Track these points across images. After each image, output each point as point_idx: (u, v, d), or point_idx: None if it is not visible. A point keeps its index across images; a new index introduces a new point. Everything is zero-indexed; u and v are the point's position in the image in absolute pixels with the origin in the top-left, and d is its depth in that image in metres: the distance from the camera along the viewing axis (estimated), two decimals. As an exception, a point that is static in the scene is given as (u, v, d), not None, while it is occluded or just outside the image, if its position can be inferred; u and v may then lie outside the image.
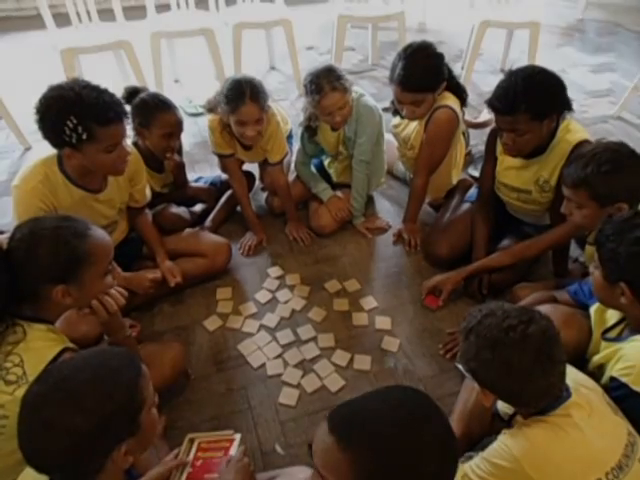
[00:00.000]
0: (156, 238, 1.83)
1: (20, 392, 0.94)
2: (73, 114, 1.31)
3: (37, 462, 0.80)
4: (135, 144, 1.78)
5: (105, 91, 1.38)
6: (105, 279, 1.17)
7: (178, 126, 1.84)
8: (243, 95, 1.77)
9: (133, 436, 0.83)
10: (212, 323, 1.80)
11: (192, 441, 1.30)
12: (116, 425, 0.80)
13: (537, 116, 1.50)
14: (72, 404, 0.78)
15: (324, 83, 1.82)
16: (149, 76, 2.99)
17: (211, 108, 1.93)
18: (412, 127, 2.00)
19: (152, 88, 2.76)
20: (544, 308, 1.29)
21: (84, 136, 1.34)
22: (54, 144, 1.38)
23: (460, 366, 1.02)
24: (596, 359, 1.22)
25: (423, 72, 1.77)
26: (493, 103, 1.53)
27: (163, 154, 1.85)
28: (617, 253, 1.06)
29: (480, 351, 0.95)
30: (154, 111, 1.76)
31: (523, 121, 1.50)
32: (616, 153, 1.35)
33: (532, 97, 1.47)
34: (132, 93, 1.81)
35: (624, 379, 1.06)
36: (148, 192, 1.79)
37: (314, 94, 1.85)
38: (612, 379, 1.09)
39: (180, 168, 2.02)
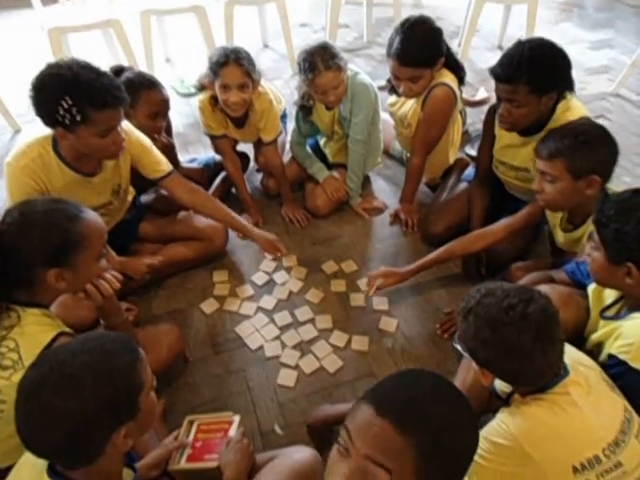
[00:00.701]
0: (221, 212, 1.76)
1: (17, 377, 0.94)
2: (68, 94, 1.27)
3: (36, 447, 0.80)
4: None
5: (104, 74, 1.34)
6: (99, 263, 1.16)
7: (164, 105, 1.80)
8: (227, 57, 1.76)
9: (132, 419, 0.83)
10: (209, 306, 1.79)
11: (191, 423, 1.31)
12: (115, 408, 0.80)
13: (537, 90, 1.47)
14: (70, 388, 0.77)
15: (318, 61, 1.78)
16: (139, 56, 2.92)
17: (201, 86, 1.89)
18: (409, 105, 1.97)
19: (143, 68, 2.72)
20: (542, 288, 1.28)
21: (78, 118, 1.30)
22: (46, 123, 1.34)
23: (458, 346, 1.02)
24: (594, 337, 1.22)
25: (421, 46, 1.73)
26: (495, 69, 1.50)
27: (150, 135, 1.81)
28: (623, 233, 1.04)
29: (479, 331, 0.94)
30: (139, 89, 1.72)
31: (522, 92, 1.48)
32: (592, 127, 1.39)
33: (535, 69, 1.44)
34: (117, 72, 1.76)
35: (623, 356, 1.06)
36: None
37: (308, 72, 1.81)
38: (610, 356, 1.09)
39: (170, 149, 1.98)
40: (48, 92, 1.29)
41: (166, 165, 1.67)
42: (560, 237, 1.57)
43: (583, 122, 1.43)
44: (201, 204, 1.73)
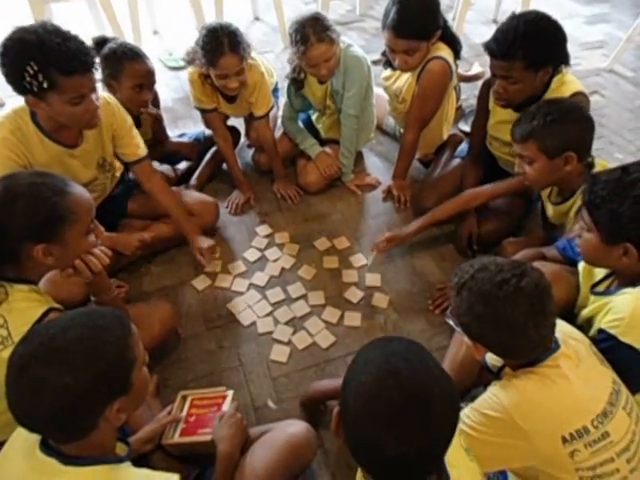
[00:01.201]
0: (178, 209, 1.69)
1: (6, 353, 0.92)
2: (33, 59, 1.22)
3: (28, 422, 0.79)
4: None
5: (72, 38, 1.27)
6: (87, 238, 1.14)
7: (149, 76, 1.75)
8: (221, 45, 1.68)
9: (125, 394, 0.83)
10: (201, 282, 1.78)
11: (185, 398, 1.32)
12: (107, 383, 0.80)
13: (532, 65, 1.45)
14: (61, 363, 0.77)
15: (310, 33, 1.74)
16: (126, 28, 2.83)
17: (190, 60, 1.84)
18: (404, 79, 1.94)
19: (129, 40, 2.62)
20: (533, 264, 1.29)
21: (45, 84, 1.25)
22: (16, 90, 1.29)
23: (451, 321, 1.03)
24: (585, 312, 1.23)
25: (418, 17, 1.69)
26: (490, 45, 1.48)
27: (136, 109, 1.76)
28: (619, 213, 1.02)
29: (473, 305, 0.94)
30: (122, 60, 1.66)
31: (517, 68, 1.46)
32: (560, 104, 1.39)
33: (530, 44, 1.42)
34: (100, 43, 1.70)
35: (612, 331, 1.07)
36: (142, 145, 1.66)
37: (299, 44, 1.76)
38: (600, 331, 1.10)
39: (158, 121, 1.94)
40: (12, 57, 1.24)
41: (143, 150, 1.65)
42: (550, 210, 1.58)
43: (553, 100, 1.44)
44: (160, 194, 1.68)
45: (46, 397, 0.76)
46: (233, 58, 1.71)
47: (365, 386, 0.71)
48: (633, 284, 1.08)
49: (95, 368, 0.78)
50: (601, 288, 1.22)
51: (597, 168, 1.41)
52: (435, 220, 1.77)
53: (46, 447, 0.82)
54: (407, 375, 0.69)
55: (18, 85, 1.27)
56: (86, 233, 1.13)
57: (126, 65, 1.67)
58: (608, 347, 1.07)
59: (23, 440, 0.84)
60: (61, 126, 1.41)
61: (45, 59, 1.23)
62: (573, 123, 1.35)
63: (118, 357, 0.81)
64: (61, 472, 0.80)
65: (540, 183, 1.46)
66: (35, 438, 0.83)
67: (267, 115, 2.00)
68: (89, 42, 1.55)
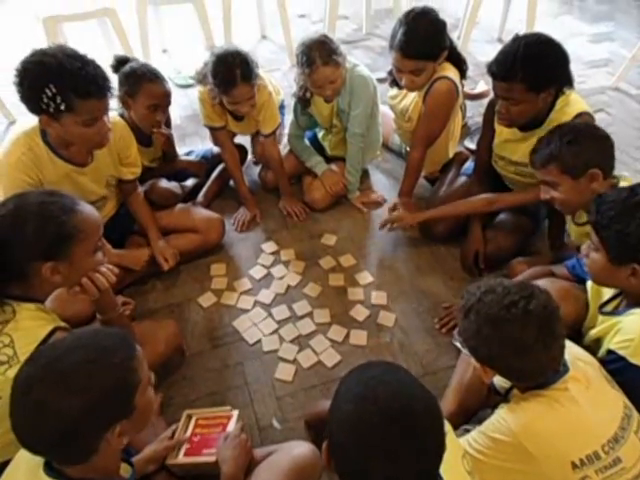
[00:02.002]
0: (149, 217, 1.78)
1: (12, 372, 0.93)
2: (52, 82, 1.26)
3: (29, 443, 0.79)
4: (122, 116, 1.72)
5: (90, 62, 1.32)
6: (95, 256, 1.14)
7: (165, 98, 1.78)
8: (234, 77, 1.72)
9: (127, 417, 0.82)
10: (206, 300, 1.78)
11: (190, 417, 1.31)
12: (109, 407, 0.79)
13: (533, 87, 1.46)
14: (63, 386, 0.76)
15: (316, 57, 1.76)
16: (136, 46, 2.89)
17: (200, 80, 1.86)
18: (410, 98, 1.95)
19: (139, 58, 2.67)
20: (541, 282, 1.29)
21: (62, 107, 1.28)
22: (31, 110, 1.33)
23: (458, 344, 1.02)
24: (593, 333, 1.22)
25: (425, 38, 1.70)
26: (491, 67, 1.49)
27: (149, 128, 1.79)
28: (627, 234, 1.02)
29: (481, 329, 0.94)
30: (141, 80, 1.70)
31: (518, 90, 1.46)
32: (573, 125, 1.42)
33: (530, 67, 1.43)
34: (121, 62, 1.75)
35: (622, 352, 1.05)
36: (139, 165, 1.73)
37: (305, 67, 1.79)
38: (609, 352, 1.09)
39: (169, 141, 1.96)
40: (32, 79, 1.27)
41: (139, 170, 1.73)
42: (573, 232, 1.56)
43: (567, 123, 1.45)
44: (138, 205, 1.77)
45: (46, 420, 0.75)
46: (245, 88, 1.75)
47: (347, 414, 0.72)
48: (641, 304, 1.07)
49: (97, 392, 0.77)
50: (609, 308, 1.20)
51: (622, 184, 1.38)
52: (444, 216, 1.85)
53: (50, 469, 0.81)
54: (386, 398, 0.71)
55: (34, 105, 1.30)
56: (94, 251, 1.14)
57: (144, 85, 1.70)
58: (617, 368, 1.06)
59: (27, 461, 0.84)
60: (71, 145, 1.43)
61: (64, 82, 1.27)
62: (591, 140, 1.35)
63: (121, 380, 0.81)
64: (65, 495, 0.79)
65: (570, 205, 1.42)
66: (39, 459, 0.82)
67: (274, 133, 2.02)
68: (107, 63, 1.61)
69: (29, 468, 0.83)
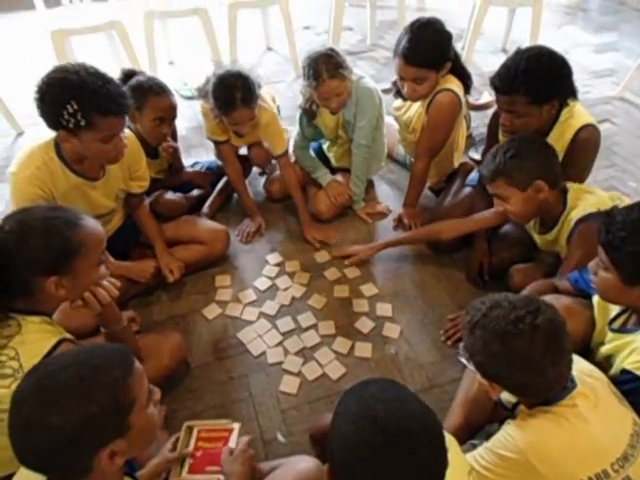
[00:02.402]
0: (156, 230, 1.79)
1: (16, 385, 0.92)
2: (74, 99, 1.28)
3: (20, 457, 0.77)
4: (129, 128, 1.74)
5: (111, 81, 1.35)
6: (98, 269, 1.15)
7: (171, 111, 1.79)
8: (234, 101, 1.74)
9: (121, 437, 0.79)
10: (211, 311, 1.78)
11: (191, 429, 1.30)
12: (98, 426, 0.76)
13: (536, 100, 1.46)
14: (48, 403, 0.74)
15: (322, 70, 1.78)
16: (142, 58, 2.92)
17: (203, 95, 1.88)
18: (414, 110, 1.96)
19: (146, 70, 2.70)
20: (547, 298, 1.27)
21: (82, 123, 1.31)
22: (50, 125, 1.35)
23: (464, 360, 1.01)
24: (604, 350, 1.20)
25: (429, 46, 1.71)
26: (494, 80, 1.51)
27: (155, 141, 1.81)
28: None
29: (488, 344, 0.92)
30: (148, 93, 1.71)
31: (521, 103, 1.47)
32: (517, 139, 1.46)
33: (532, 80, 1.43)
34: (128, 75, 1.77)
35: (638, 372, 1.04)
36: (148, 179, 1.74)
37: (311, 79, 1.81)
38: (624, 371, 1.07)
39: (175, 153, 1.98)
40: (54, 96, 1.30)
41: (147, 184, 1.74)
42: (537, 239, 1.63)
43: (511, 139, 1.49)
44: (145, 218, 1.78)
45: (32, 436, 0.74)
46: (245, 111, 1.77)
47: (347, 435, 0.72)
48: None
49: (85, 410, 0.75)
50: (617, 324, 1.19)
51: (571, 192, 1.46)
52: (406, 242, 1.95)
53: (52, 485, 0.81)
54: (385, 417, 0.70)
55: (54, 121, 1.32)
56: (97, 265, 1.14)
57: (151, 98, 1.72)
58: (632, 388, 1.04)
59: (29, 477, 0.83)
60: (84, 158, 1.45)
61: (86, 100, 1.29)
62: (533, 153, 1.41)
63: (111, 399, 0.77)
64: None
65: (523, 216, 1.51)
66: (41, 476, 0.82)
67: (287, 152, 2.03)
68: (114, 76, 1.61)
69: (31, 482, 0.82)
